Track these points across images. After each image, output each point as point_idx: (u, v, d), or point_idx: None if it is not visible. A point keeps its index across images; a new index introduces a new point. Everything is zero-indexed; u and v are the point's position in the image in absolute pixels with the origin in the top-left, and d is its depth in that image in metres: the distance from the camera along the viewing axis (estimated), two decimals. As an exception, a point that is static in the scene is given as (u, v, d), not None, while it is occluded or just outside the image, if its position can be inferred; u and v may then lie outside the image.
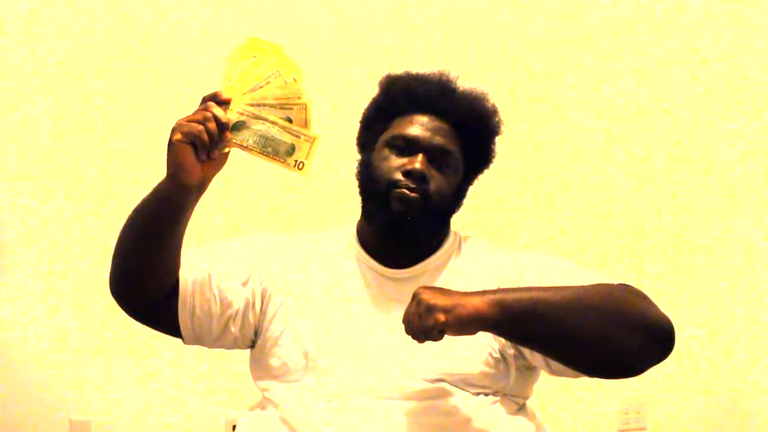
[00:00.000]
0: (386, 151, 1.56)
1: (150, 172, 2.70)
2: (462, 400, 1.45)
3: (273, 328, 1.55)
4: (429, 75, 1.63)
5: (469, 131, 1.59)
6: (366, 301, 1.55)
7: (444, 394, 1.44)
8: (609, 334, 1.37)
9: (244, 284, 1.56)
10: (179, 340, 1.58)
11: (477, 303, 1.32)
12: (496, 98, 1.64)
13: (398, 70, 1.65)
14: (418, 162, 1.52)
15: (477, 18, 2.90)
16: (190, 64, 2.74)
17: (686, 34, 3.01)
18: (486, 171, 1.68)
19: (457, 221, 1.64)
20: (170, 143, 1.36)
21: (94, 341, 2.69)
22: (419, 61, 1.67)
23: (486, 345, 1.48)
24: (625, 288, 1.45)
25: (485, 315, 1.31)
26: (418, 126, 1.56)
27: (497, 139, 1.65)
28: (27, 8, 2.68)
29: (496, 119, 1.64)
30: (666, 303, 3.06)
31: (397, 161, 1.54)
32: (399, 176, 1.52)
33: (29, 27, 2.68)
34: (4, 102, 2.68)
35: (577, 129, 2.96)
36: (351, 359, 1.48)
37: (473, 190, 1.67)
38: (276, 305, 1.56)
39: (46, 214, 2.68)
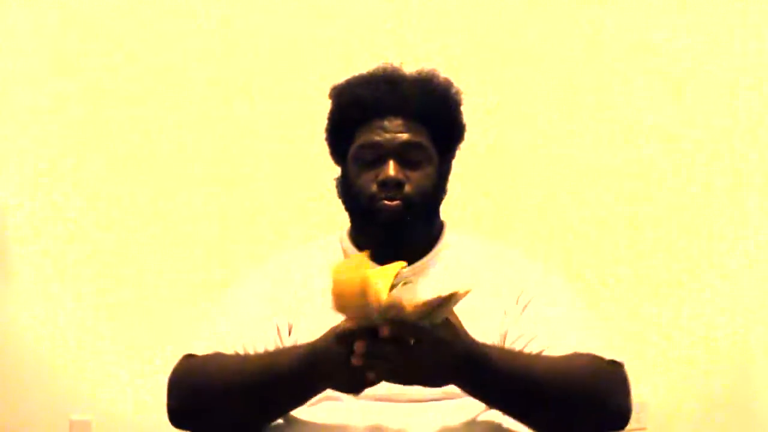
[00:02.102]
0: (358, 166, 1.55)
1: (154, 172, 2.71)
2: (468, 400, 1.45)
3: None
4: (373, 74, 1.61)
5: (429, 115, 1.57)
6: None
7: (449, 395, 1.44)
8: (561, 417, 1.41)
9: (279, 333, 1.54)
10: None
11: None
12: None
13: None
14: (390, 169, 1.51)
15: (479, 17, 2.90)
16: (196, 66, 2.74)
17: (688, 33, 3.01)
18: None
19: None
20: (360, 383, 1.31)
21: (95, 341, 2.68)
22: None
23: (493, 339, 1.50)
24: (600, 371, 1.47)
25: (455, 378, 1.34)
26: (379, 131, 1.54)
27: (462, 109, 1.63)
28: (30, 9, 2.68)
29: (453, 91, 1.62)
30: (666, 303, 3.07)
31: (370, 174, 1.53)
32: (375, 189, 1.52)
33: (33, 25, 2.68)
34: (10, 101, 2.68)
35: (577, 128, 2.96)
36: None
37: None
38: (295, 331, 1.55)
39: (46, 215, 2.68)
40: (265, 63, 2.79)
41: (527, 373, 1.39)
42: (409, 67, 1.65)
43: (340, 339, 1.29)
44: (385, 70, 1.61)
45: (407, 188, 1.51)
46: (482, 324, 1.49)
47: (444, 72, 1.65)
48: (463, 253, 1.61)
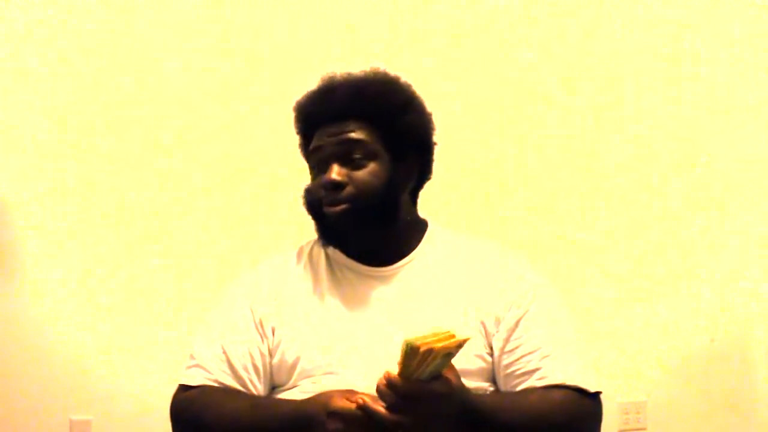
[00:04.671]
0: (312, 174, 1.60)
1: (155, 172, 2.72)
2: None
3: (279, 355, 1.56)
4: (317, 87, 1.63)
5: (371, 112, 1.56)
6: (355, 303, 1.56)
7: None
8: None
9: (263, 339, 1.57)
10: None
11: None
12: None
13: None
14: (332, 173, 1.52)
15: (476, 18, 2.90)
16: (197, 67, 2.75)
17: (685, 33, 3.02)
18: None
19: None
20: None
21: (95, 341, 2.68)
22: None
23: (479, 340, 1.51)
24: (578, 411, 1.49)
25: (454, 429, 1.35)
26: (322, 136, 1.57)
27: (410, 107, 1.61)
28: (29, 9, 2.68)
29: (396, 87, 1.61)
30: (666, 303, 3.07)
31: (317, 179, 1.56)
32: (321, 192, 1.54)
33: (37, 28, 2.68)
34: (11, 99, 2.68)
35: (574, 128, 2.96)
36: (346, 361, 1.49)
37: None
38: (278, 333, 1.57)
39: (47, 214, 2.68)
40: (265, 63, 2.79)
41: (513, 418, 1.43)
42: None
43: (331, 415, 1.34)
44: (330, 78, 1.63)
45: (350, 189, 1.52)
46: (466, 329, 1.49)
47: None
48: (446, 253, 1.61)
